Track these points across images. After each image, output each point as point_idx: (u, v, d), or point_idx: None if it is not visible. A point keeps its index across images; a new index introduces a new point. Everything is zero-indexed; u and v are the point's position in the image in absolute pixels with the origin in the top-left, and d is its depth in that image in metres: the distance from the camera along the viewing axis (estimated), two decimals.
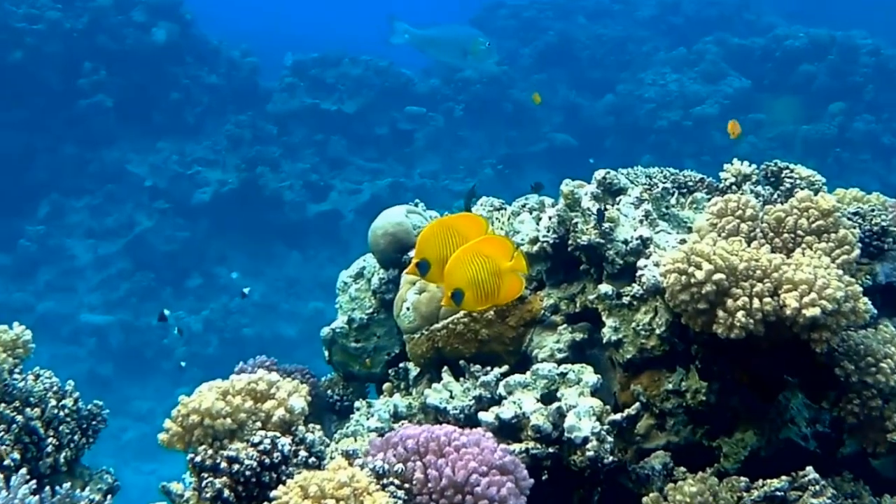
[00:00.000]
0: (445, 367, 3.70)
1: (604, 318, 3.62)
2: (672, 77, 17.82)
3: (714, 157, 15.63)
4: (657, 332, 3.49)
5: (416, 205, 4.57)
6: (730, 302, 3.09)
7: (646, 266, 3.51)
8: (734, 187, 4.13)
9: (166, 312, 9.18)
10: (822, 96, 16.83)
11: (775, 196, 4.04)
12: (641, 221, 3.72)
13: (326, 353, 4.52)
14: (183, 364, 12.40)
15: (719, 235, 3.42)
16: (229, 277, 14.72)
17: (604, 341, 3.60)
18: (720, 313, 3.11)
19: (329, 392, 4.50)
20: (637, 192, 3.87)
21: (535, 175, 15.83)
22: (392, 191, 15.74)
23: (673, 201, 3.99)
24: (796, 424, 3.52)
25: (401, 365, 4.13)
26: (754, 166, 4.16)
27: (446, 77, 17.94)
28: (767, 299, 3.07)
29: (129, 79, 15.92)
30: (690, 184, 4.24)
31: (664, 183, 4.15)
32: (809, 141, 16.20)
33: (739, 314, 3.06)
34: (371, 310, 4.44)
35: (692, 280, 3.12)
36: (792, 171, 4.13)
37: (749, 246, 3.31)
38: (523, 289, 3.25)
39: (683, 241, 3.59)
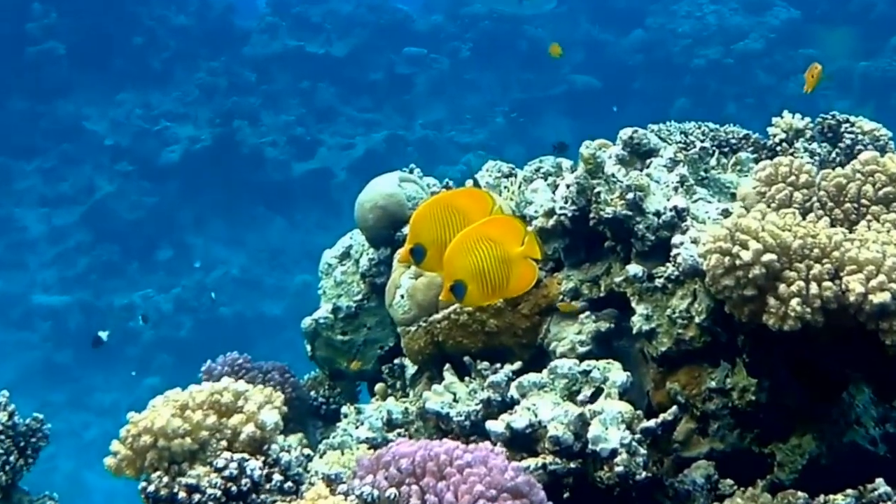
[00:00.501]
0: (447, 365, 3.60)
1: (633, 305, 3.53)
2: (710, 8, 17.71)
3: (759, 99, 15.61)
4: (696, 320, 3.39)
5: (412, 171, 4.47)
6: (782, 287, 2.97)
7: (682, 243, 3.40)
8: (785, 145, 4.02)
9: (103, 336, 9.01)
10: (883, 27, 16.64)
11: (833, 155, 3.94)
12: (676, 189, 3.61)
13: (309, 348, 4.44)
14: (134, 374, 12.30)
15: (769, 206, 3.30)
16: (204, 249, 14.67)
17: (633, 331, 3.51)
18: (771, 301, 2.98)
19: (313, 393, 4.42)
20: (671, 151, 3.76)
21: (554, 124, 15.80)
22: (390, 145, 15.71)
23: (713, 163, 3.88)
24: (863, 425, 3.43)
25: (396, 361, 4.07)
26: (808, 120, 4.06)
27: (451, 12, 17.85)
28: (827, 283, 2.94)
29: (84, 21, 15.85)
30: (733, 141, 4.14)
31: (702, 141, 4.03)
32: (869, 79, 16.06)
33: (794, 302, 2.94)
34: (360, 296, 4.36)
35: (737, 262, 3.00)
36: (853, 124, 4.01)
37: (804, 219, 3.19)
38: (536, 278, 3.12)
39: (726, 213, 3.48)
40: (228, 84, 16.11)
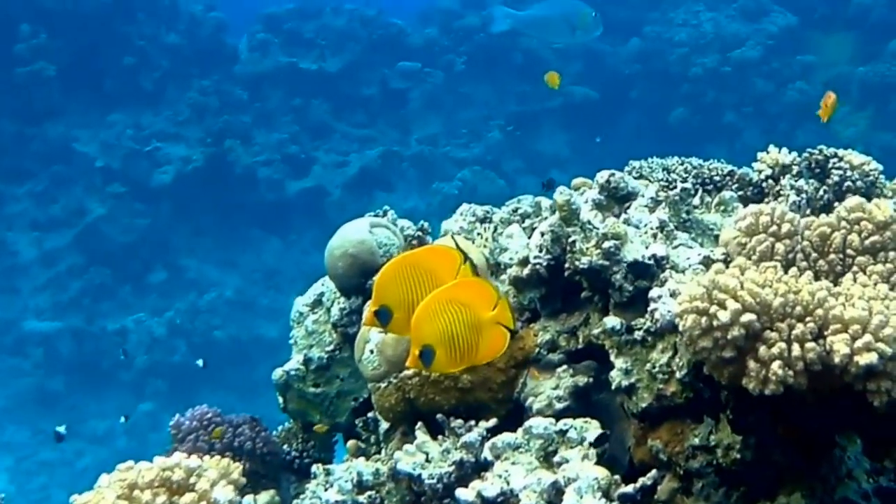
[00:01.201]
0: (420, 424, 3.48)
1: (612, 358, 3.39)
2: (707, 16, 17.59)
3: (758, 107, 15.52)
4: (678, 375, 3.25)
5: (384, 214, 4.34)
6: (763, 349, 2.83)
7: (660, 297, 3.26)
8: (771, 181, 3.89)
9: (61, 430, 8.93)
10: (881, 32, 16.51)
11: (821, 192, 3.80)
12: (655, 235, 3.47)
13: (281, 401, 4.32)
14: (123, 420, 11.98)
15: (749, 258, 3.16)
16: (198, 271, 14.55)
17: (613, 387, 3.37)
18: (751, 364, 2.84)
19: (286, 447, 4.29)
20: (652, 190, 3.64)
21: (551, 137, 15.69)
22: (385, 161, 15.66)
23: (696, 201, 3.74)
24: (854, 479, 3.29)
25: (370, 414, 3.95)
26: (794, 154, 3.93)
27: (444, 26, 17.78)
28: (810, 344, 2.79)
29: (74, 42, 15.76)
30: (717, 178, 4.01)
31: (684, 181, 3.90)
32: (868, 84, 15.92)
33: (775, 365, 2.79)
34: (332, 346, 4.25)
35: (714, 323, 2.85)
36: (841, 158, 3.88)
37: (787, 272, 3.04)
38: (507, 345, 2.97)
39: (708, 260, 3.34)
40: (220, 103, 16.01)
